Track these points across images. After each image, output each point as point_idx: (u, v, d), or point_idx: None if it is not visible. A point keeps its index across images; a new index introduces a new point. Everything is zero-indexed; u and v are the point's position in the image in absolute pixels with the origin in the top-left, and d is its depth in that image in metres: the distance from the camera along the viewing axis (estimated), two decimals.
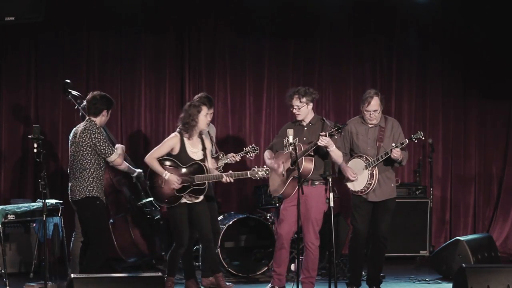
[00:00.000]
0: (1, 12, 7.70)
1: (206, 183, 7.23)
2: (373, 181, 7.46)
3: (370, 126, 7.58)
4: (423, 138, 7.45)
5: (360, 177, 7.48)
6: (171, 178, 7.21)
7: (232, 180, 7.18)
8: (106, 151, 7.03)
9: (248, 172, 7.14)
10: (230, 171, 7.23)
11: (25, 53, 9.41)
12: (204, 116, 7.32)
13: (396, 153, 7.34)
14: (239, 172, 7.20)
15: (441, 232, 10.45)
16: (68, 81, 8.34)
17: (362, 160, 7.49)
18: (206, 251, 7.50)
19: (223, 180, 7.17)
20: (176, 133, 7.35)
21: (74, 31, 9.50)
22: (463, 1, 10.32)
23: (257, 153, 7.72)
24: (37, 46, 9.42)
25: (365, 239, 7.68)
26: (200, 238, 7.44)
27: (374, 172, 7.46)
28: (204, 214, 7.38)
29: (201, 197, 7.37)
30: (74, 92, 8.29)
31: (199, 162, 7.25)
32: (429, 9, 10.16)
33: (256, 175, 7.11)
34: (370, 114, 7.49)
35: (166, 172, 7.22)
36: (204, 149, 7.35)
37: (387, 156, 7.39)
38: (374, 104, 7.46)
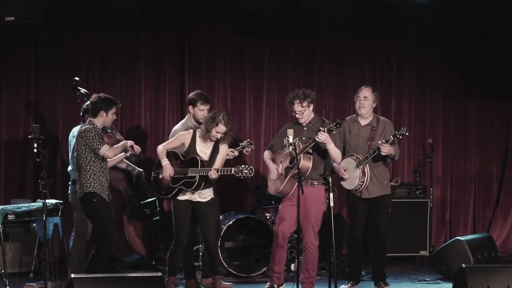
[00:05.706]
0: (1, 12, 7.70)
1: (197, 176, 7.23)
2: (365, 178, 7.56)
3: (362, 125, 7.71)
4: (407, 134, 7.54)
5: (352, 175, 7.55)
6: (166, 166, 7.33)
7: (217, 175, 7.17)
8: (95, 146, 7.07)
9: (233, 169, 7.16)
10: (215, 168, 7.24)
11: (25, 53, 9.41)
12: (216, 132, 7.31)
13: (385, 149, 7.39)
14: (224, 168, 7.24)
15: (441, 232, 10.44)
16: (77, 78, 8.41)
17: (353, 159, 7.58)
18: (207, 253, 7.54)
19: (209, 174, 7.17)
20: (191, 130, 7.47)
21: (74, 31, 9.49)
22: (463, 0, 10.32)
23: (253, 147, 7.77)
24: (37, 46, 9.41)
25: (362, 237, 7.79)
26: (203, 239, 7.48)
27: (365, 170, 7.56)
28: (208, 216, 7.44)
29: (207, 198, 7.42)
30: (83, 90, 8.33)
31: (196, 156, 7.29)
32: (429, 8, 10.15)
33: (240, 174, 7.13)
34: (360, 100, 7.67)
35: (166, 159, 7.36)
36: (214, 152, 7.36)
37: (376, 153, 7.46)
38: (364, 92, 7.70)
